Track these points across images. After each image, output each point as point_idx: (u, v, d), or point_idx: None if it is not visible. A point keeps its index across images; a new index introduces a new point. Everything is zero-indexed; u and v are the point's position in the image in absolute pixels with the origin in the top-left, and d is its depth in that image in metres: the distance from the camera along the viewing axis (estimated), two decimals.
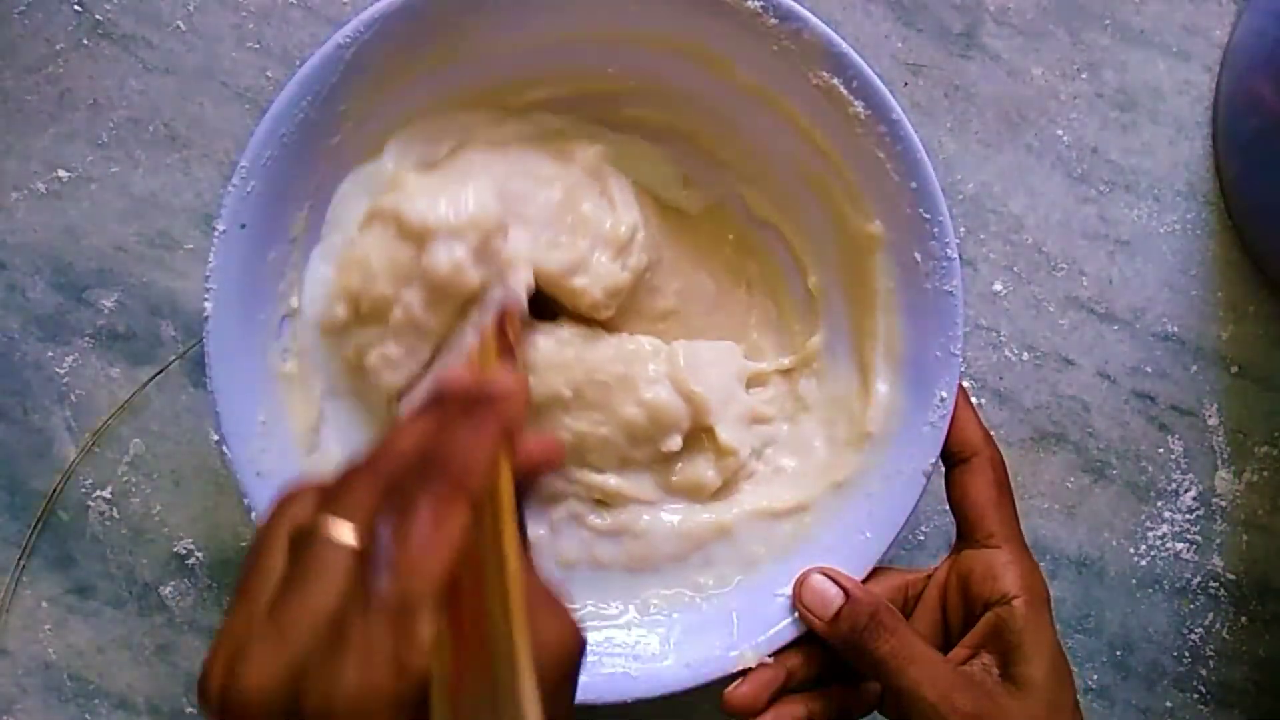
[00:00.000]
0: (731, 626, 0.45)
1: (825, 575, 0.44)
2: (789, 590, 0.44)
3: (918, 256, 0.44)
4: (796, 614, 0.44)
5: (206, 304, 0.41)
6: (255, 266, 0.43)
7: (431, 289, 0.42)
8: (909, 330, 0.45)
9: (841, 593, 0.43)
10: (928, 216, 0.43)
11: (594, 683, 0.43)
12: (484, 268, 0.42)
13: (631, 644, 0.46)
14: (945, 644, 0.45)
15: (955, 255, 0.43)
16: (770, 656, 0.44)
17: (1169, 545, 0.55)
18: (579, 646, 0.31)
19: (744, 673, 0.44)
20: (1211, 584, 0.55)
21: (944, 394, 0.44)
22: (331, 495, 0.30)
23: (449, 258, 0.41)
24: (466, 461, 0.30)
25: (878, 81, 0.42)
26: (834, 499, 0.46)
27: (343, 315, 0.44)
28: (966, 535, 0.44)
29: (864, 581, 0.45)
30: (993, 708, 0.40)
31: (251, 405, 0.43)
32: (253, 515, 0.42)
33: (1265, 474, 0.55)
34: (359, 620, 0.27)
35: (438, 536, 0.28)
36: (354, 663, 0.26)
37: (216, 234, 0.41)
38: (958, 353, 0.44)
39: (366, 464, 0.31)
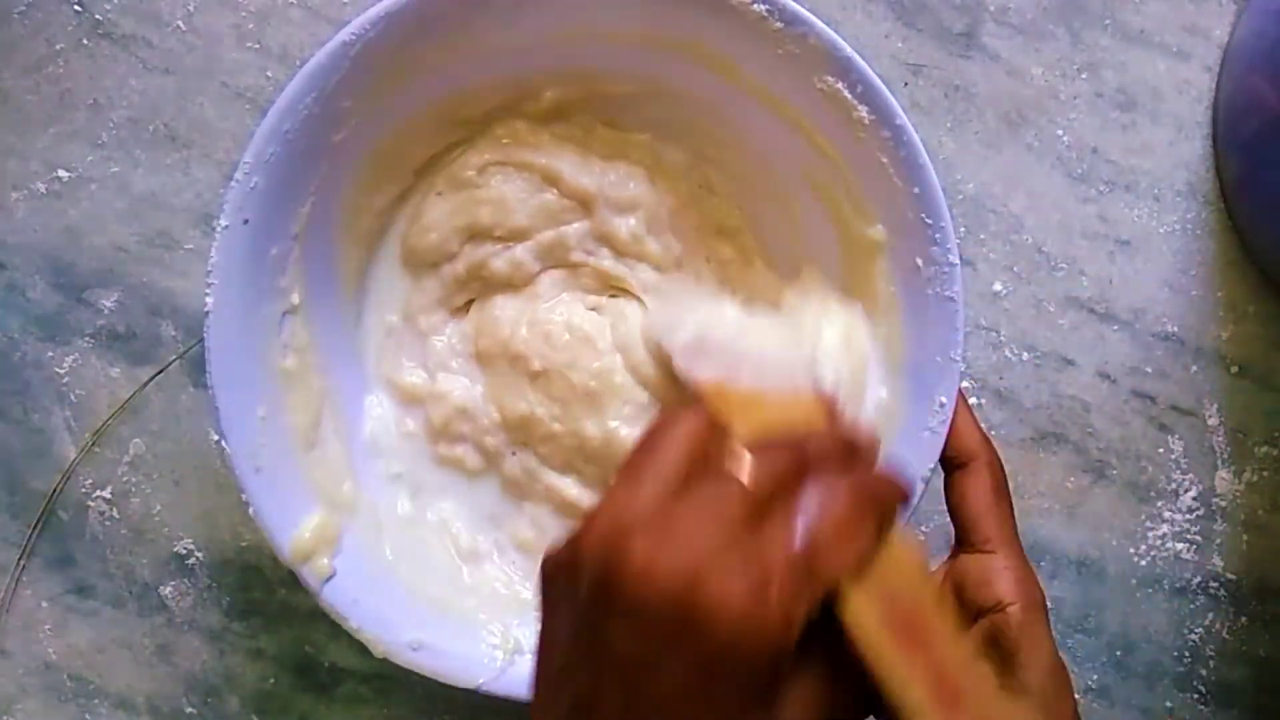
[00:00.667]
0: None
1: None
2: None
3: (919, 262, 0.44)
4: None
5: (207, 299, 0.41)
6: (257, 262, 0.43)
7: (601, 238, 0.48)
8: (909, 335, 0.45)
9: None
10: (930, 222, 0.43)
11: None
12: (657, 235, 0.48)
13: None
14: None
15: (956, 261, 0.43)
16: None
17: (1169, 545, 0.55)
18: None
19: None
20: (1211, 584, 0.55)
21: (943, 399, 0.44)
22: (739, 432, 0.32)
23: (627, 229, 0.48)
24: (882, 493, 0.32)
25: (882, 86, 0.42)
26: None
27: (455, 247, 0.48)
28: (963, 540, 0.44)
29: None
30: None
31: (251, 400, 0.43)
32: (252, 512, 0.42)
33: (1265, 474, 0.55)
34: (765, 554, 0.28)
35: (859, 530, 0.29)
36: (746, 586, 0.27)
37: (219, 229, 0.41)
38: (958, 358, 0.43)
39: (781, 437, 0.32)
